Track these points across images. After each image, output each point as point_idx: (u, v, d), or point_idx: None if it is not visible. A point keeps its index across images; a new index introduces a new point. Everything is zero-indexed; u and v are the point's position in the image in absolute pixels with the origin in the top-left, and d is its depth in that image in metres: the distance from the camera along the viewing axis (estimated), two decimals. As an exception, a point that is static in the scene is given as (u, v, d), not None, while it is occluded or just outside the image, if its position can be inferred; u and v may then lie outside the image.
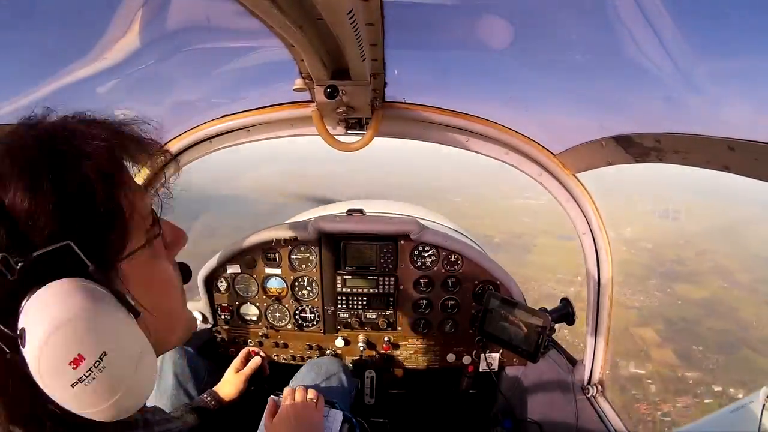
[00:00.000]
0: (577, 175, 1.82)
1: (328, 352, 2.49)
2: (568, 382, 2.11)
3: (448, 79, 1.74)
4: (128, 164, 0.72)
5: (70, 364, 0.56)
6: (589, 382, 2.06)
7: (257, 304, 2.42)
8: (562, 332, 1.95)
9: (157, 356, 0.68)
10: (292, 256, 2.33)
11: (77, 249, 0.58)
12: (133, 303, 0.64)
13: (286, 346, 2.51)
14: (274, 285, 2.39)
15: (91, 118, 0.68)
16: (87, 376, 0.57)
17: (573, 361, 2.23)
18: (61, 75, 1.43)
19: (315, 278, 2.36)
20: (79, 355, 0.56)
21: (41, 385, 0.56)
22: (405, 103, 1.69)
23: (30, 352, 0.55)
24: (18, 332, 0.56)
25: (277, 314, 2.45)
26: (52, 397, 0.57)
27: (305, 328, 2.46)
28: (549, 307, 1.88)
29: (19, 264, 0.55)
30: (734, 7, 0.99)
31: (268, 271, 2.35)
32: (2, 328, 0.56)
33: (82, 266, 0.59)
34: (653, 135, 1.30)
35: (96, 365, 0.57)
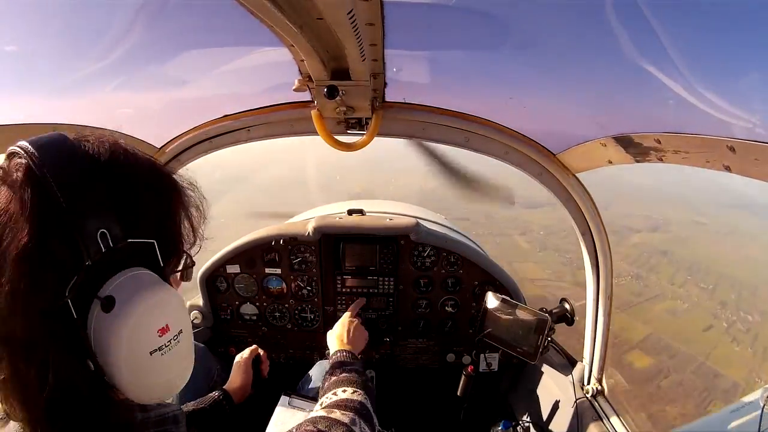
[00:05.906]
0: (577, 175, 1.82)
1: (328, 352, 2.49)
2: (568, 381, 2.11)
3: (448, 79, 1.74)
4: None
5: (158, 331, 0.66)
6: (588, 382, 2.06)
7: (257, 303, 2.42)
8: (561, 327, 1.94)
9: None
10: (291, 256, 2.33)
11: (158, 250, 0.69)
12: None
13: (285, 346, 2.51)
14: (274, 285, 2.39)
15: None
16: (166, 346, 0.67)
17: (572, 361, 2.23)
18: (61, 75, 1.43)
19: (315, 278, 2.36)
20: (166, 325, 0.67)
21: (113, 349, 0.62)
22: (405, 103, 1.69)
23: (124, 314, 0.62)
24: (104, 298, 0.62)
25: (277, 314, 2.45)
26: (113, 364, 0.63)
27: (305, 328, 2.46)
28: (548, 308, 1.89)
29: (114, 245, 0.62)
30: (734, 6, 0.99)
31: (268, 271, 2.35)
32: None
33: (156, 264, 0.69)
34: (653, 135, 1.30)
35: (175, 338, 0.69)
